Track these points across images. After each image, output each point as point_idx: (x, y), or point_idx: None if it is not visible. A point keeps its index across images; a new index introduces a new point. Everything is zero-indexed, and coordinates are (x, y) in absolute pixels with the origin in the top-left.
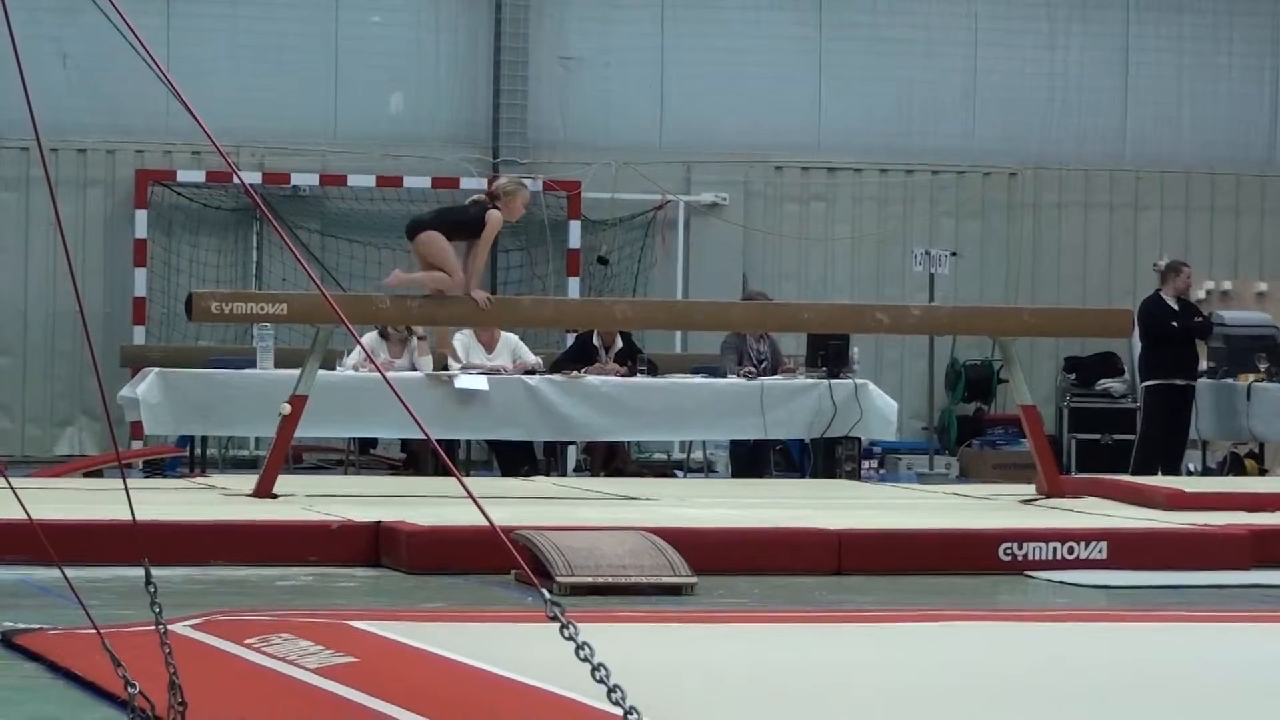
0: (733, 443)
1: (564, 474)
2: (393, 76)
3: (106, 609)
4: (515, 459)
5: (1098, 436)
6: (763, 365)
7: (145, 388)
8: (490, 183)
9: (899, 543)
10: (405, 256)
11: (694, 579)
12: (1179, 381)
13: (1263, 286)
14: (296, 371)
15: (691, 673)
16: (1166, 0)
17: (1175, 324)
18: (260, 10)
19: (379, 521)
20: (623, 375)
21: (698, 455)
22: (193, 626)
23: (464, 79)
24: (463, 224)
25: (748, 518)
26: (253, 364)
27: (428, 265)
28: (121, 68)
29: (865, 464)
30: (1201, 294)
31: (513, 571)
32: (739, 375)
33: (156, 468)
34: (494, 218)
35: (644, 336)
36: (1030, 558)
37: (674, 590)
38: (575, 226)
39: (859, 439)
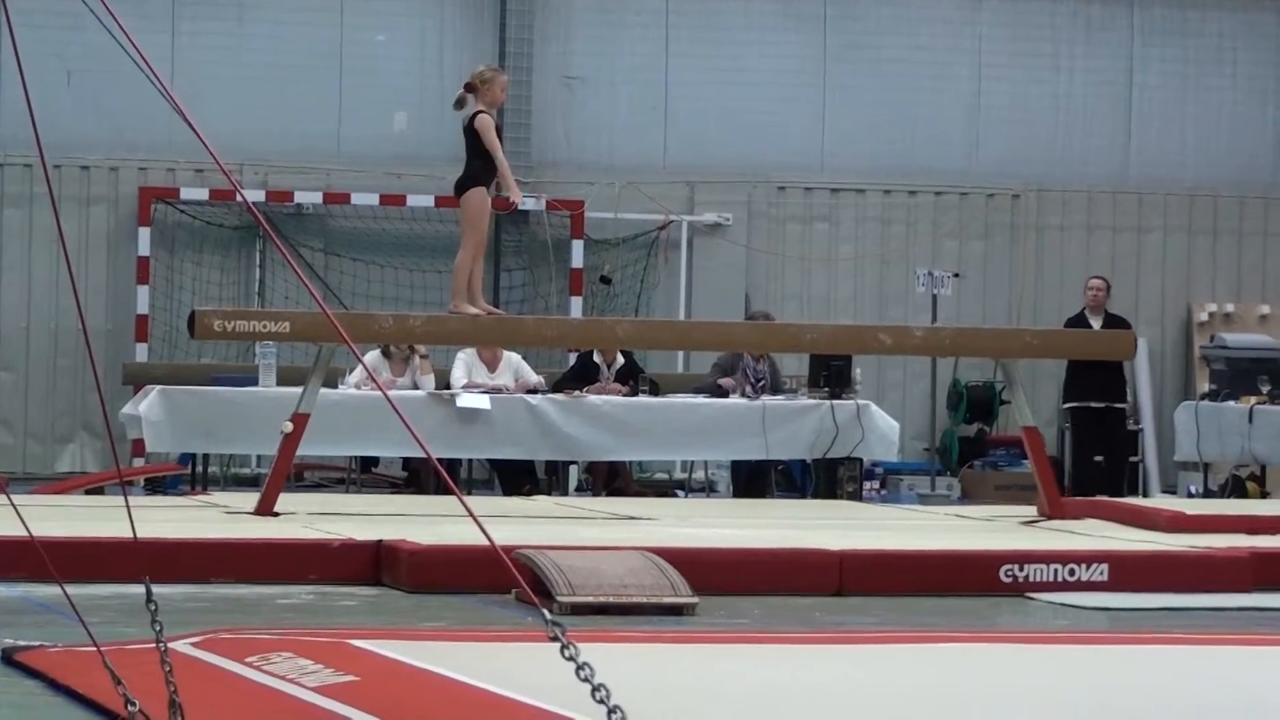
0: (734, 463)
1: (565, 493)
2: (397, 95)
3: (107, 626)
4: (517, 478)
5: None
6: (761, 385)
7: (147, 405)
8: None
9: (900, 564)
10: (408, 275)
11: (695, 599)
12: (1095, 405)
13: (1265, 309)
14: (299, 390)
15: (691, 693)
16: (1171, 23)
17: None
18: (265, 29)
19: (380, 540)
20: (625, 395)
21: (699, 475)
22: (193, 644)
23: None
24: (476, 150)
25: (749, 538)
26: (255, 382)
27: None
28: (126, 85)
29: (867, 485)
30: (1204, 316)
31: (513, 591)
32: (732, 393)
33: (158, 485)
34: (482, 122)
35: (646, 356)
36: (1031, 579)
37: (675, 610)
38: (578, 246)
39: (861, 460)
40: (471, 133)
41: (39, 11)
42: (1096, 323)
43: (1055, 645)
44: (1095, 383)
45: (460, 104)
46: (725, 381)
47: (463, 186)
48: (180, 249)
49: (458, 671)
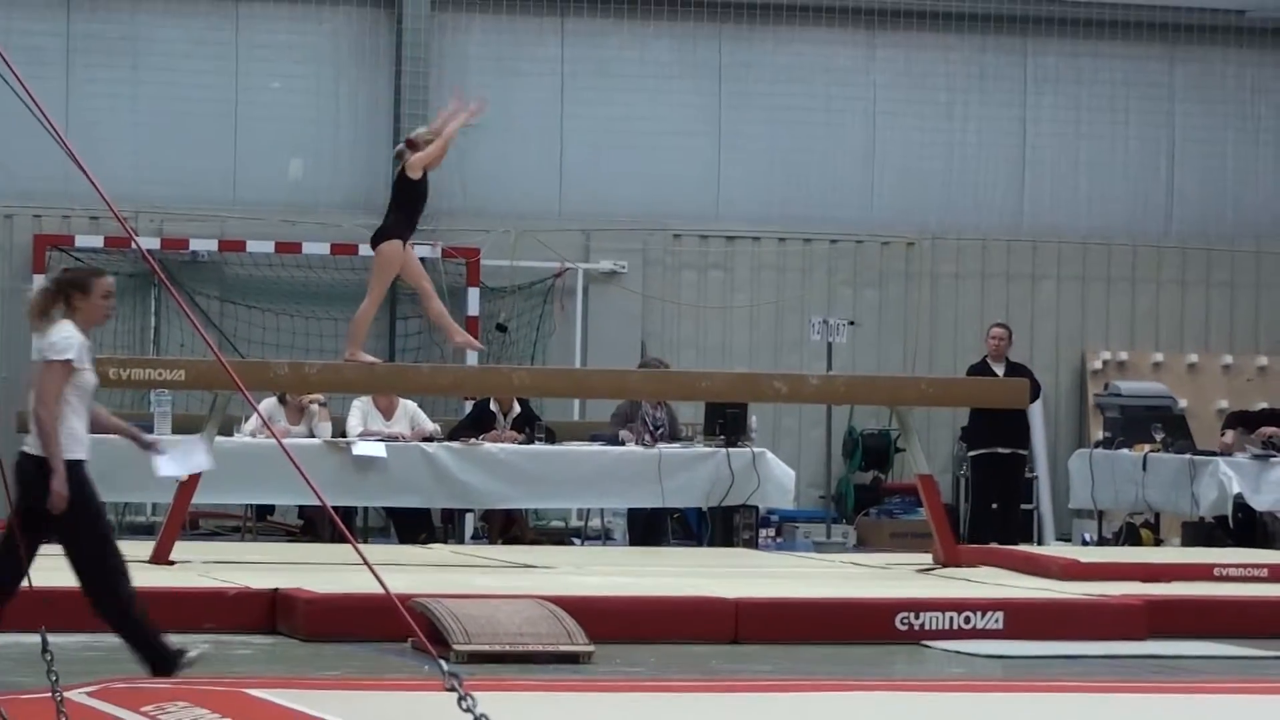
0: (630, 510)
1: (461, 541)
2: (292, 142)
3: (3, 676)
4: (413, 526)
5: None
6: (660, 433)
7: None
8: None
9: (796, 612)
10: (304, 323)
11: (591, 648)
12: (1001, 450)
13: (1159, 357)
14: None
15: None
16: (1064, 72)
17: None
18: (160, 75)
19: (276, 589)
20: (521, 442)
21: (595, 523)
22: (89, 694)
23: (364, 145)
24: (402, 194)
25: (645, 586)
26: (150, 430)
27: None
28: (19, 132)
29: (763, 532)
30: (1098, 364)
31: (410, 640)
32: (629, 443)
33: None
34: (412, 161)
35: (542, 404)
36: (927, 627)
37: (571, 659)
38: (474, 294)
39: (756, 507)
40: (399, 185)
41: None
42: (999, 370)
43: (950, 693)
44: (1001, 429)
45: (399, 158)
46: (624, 434)
47: (378, 237)
48: None
49: None
